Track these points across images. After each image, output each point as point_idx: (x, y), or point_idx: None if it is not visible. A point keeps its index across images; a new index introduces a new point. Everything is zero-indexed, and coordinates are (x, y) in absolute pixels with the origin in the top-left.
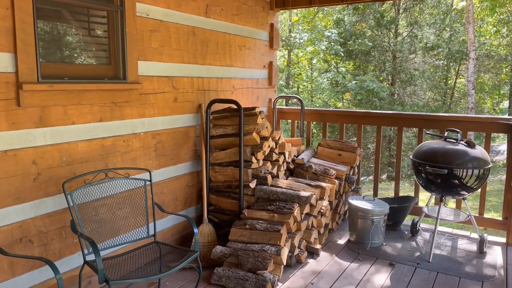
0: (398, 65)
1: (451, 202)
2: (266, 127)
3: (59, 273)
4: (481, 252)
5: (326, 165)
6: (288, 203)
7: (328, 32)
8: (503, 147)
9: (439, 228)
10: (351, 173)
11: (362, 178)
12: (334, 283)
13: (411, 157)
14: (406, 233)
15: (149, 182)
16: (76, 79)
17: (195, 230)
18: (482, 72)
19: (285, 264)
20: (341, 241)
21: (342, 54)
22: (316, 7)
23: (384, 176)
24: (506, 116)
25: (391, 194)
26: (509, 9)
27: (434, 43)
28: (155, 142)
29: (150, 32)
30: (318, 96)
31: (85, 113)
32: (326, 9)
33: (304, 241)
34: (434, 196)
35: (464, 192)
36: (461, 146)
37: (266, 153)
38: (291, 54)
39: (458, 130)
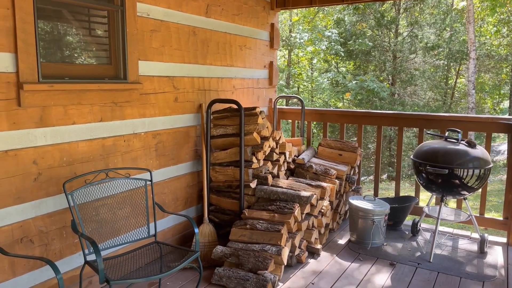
0: (398, 65)
1: (452, 202)
2: (267, 127)
3: (60, 273)
4: (481, 252)
5: (326, 165)
6: (288, 203)
7: (329, 32)
8: (504, 147)
9: (440, 228)
10: (351, 173)
11: (362, 178)
12: (335, 283)
13: (411, 157)
14: (407, 233)
15: (150, 182)
16: (76, 79)
17: (196, 230)
18: (483, 72)
19: (285, 264)
20: (342, 241)
21: (343, 54)
22: (317, 7)
23: (384, 176)
24: (506, 116)
25: (391, 194)
26: (509, 9)
27: (434, 43)
28: (155, 142)
29: (151, 32)
30: (319, 96)
31: (85, 113)
32: (326, 9)
33: (305, 241)
34: (434, 196)
35: (465, 192)
36: (462, 146)
37: (267, 153)
38: (292, 54)
39: (459, 130)
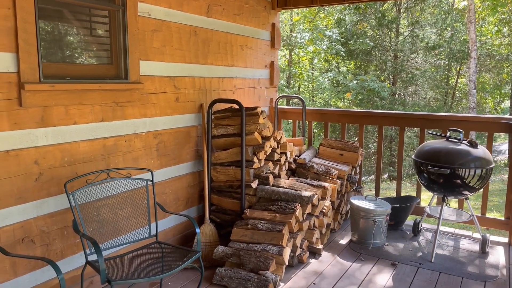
0: (399, 64)
1: (453, 202)
2: (268, 127)
3: (61, 273)
4: (483, 252)
5: (328, 165)
6: (290, 203)
7: (329, 31)
8: (505, 146)
9: (441, 228)
10: (353, 173)
11: (363, 178)
12: (336, 283)
13: (413, 157)
14: (408, 233)
15: (151, 182)
16: (77, 79)
17: (197, 230)
18: (484, 72)
19: (287, 264)
20: (343, 241)
21: (343, 54)
22: (317, 7)
23: (385, 176)
24: (508, 116)
25: (392, 193)
26: (510, 8)
27: (435, 43)
28: (156, 142)
29: (152, 31)
30: (319, 96)
31: (86, 113)
32: (327, 8)
33: (306, 241)
34: (436, 196)
35: (467, 192)
36: (464, 146)
37: (268, 153)
38: (292, 53)
39: (461, 130)
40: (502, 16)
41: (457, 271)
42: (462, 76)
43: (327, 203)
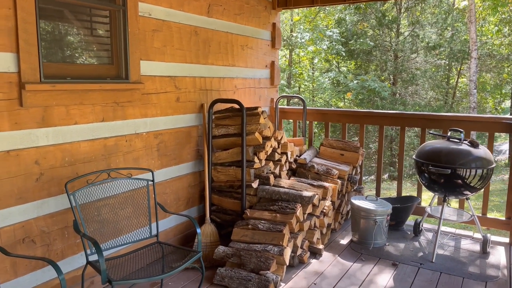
0: (399, 64)
1: (454, 202)
2: (269, 127)
3: (62, 274)
4: (484, 252)
5: (328, 165)
6: (290, 203)
7: (330, 31)
8: (505, 146)
9: (442, 228)
10: (353, 173)
11: (363, 178)
12: (337, 283)
13: (414, 157)
14: (409, 233)
15: (152, 182)
16: (78, 79)
17: (198, 230)
18: (484, 72)
19: (287, 264)
20: (344, 241)
21: (344, 54)
22: (318, 7)
23: (385, 176)
24: (508, 116)
25: (393, 193)
26: (511, 8)
27: (436, 43)
28: (157, 142)
29: (153, 31)
30: (320, 95)
31: (87, 113)
32: (327, 8)
33: (307, 241)
34: (437, 196)
35: (468, 192)
36: (465, 146)
37: (269, 153)
38: (293, 53)
39: (462, 130)
40: (503, 16)
41: (458, 271)
42: (462, 76)
43: (327, 203)
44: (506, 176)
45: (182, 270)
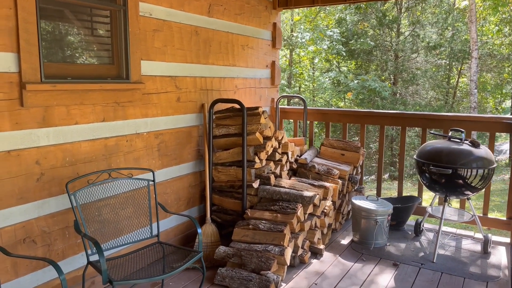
0: (400, 64)
1: (455, 202)
2: (269, 127)
3: (63, 274)
4: (485, 252)
5: (329, 165)
6: (291, 203)
7: (330, 31)
8: (505, 146)
9: (443, 228)
10: (354, 173)
11: (364, 178)
12: (338, 283)
13: (415, 157)
14: (410, 233)
15: (152, 182)
16: (79, 79)
17: (199, 230)
18: (485, 71)
19: (288, 264)
20: (345, 241)
21: (344, 54)
22: (318, 7)
23: (386, 176)
24: (509, 116)
25: (393, 193)
26: (511, 8)
27: (436, 42)
28: (158, 142)
29: (153, 31)
30: (320, 95)
31: (88, 113)
32: (328, 8)
33: (308, 241)
34: (438, 196)
35: (469, 192)
36: (466, 146)
37: (269, 153)
38: (293, 53)
39: (462, 130)
40: (503, 16)
41: (459, 271)
42: (463, 75)
43: (328, 203)
44: (507, 176)
45: (183, 270)
